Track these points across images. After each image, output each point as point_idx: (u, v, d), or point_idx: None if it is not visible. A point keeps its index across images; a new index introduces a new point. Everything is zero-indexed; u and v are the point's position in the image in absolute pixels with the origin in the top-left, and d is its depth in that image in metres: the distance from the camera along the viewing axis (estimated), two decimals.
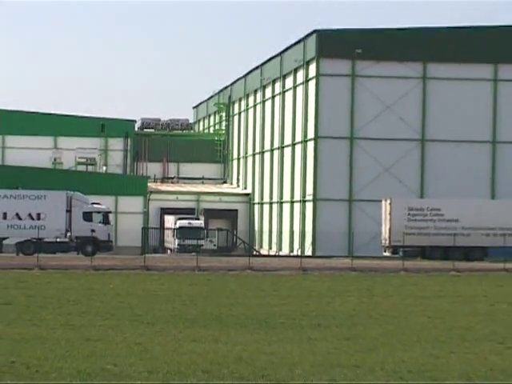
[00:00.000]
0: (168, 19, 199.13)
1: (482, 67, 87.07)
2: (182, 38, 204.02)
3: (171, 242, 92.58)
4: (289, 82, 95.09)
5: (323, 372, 19.44)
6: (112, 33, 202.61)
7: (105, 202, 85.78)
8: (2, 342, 24.15)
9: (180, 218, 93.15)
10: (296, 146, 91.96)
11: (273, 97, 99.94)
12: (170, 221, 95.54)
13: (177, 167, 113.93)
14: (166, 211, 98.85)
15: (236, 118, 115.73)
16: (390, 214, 79.12)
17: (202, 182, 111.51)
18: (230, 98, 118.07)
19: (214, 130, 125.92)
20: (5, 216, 79.01)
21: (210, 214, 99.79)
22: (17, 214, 79.44)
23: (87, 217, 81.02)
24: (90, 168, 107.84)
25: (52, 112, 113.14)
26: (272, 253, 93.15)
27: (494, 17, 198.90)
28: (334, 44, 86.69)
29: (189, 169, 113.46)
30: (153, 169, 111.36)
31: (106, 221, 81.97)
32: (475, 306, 38.90)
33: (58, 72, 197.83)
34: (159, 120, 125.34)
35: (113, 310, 34.73)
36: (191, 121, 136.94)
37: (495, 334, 27.87)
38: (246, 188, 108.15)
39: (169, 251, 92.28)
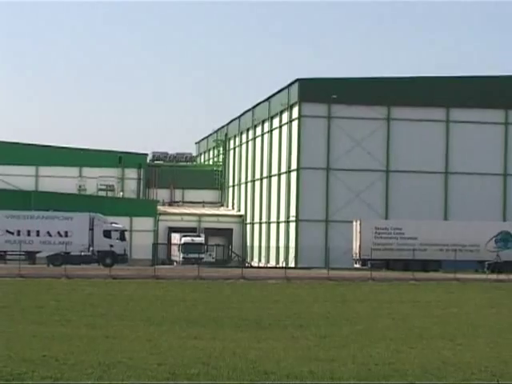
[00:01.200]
0: (175, 71, 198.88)
1: (436, 110, 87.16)
2: (186, 87, 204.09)
3: (177, 255, 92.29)
4: (275, 122, 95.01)
5: (304, 365, 19.43)
6: (127, 80, 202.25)
7: (121, 222, 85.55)
8: (35, 339, 24.15)
9: (184, 236, 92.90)
10: (281, 176, 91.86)
11: (262, 134, 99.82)
12: (175, 238, 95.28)
13: (182, 193, 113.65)
14: (172, 230, 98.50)
15: (231, 152, 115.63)
16: (359, 232, 79.10)
17: (203, 206, 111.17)
18: (226, 135, 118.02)
19: (213, 162, 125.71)
20: (38, 233, 79.07)
21: (209, 232, 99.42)
22: (48, 232, 79.41)
23: (107, 234, 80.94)
24: (109, 193, 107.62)
25: (77, 146, 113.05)
26: (261, 264, 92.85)
27: (447, 67, 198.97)
28: (314, 90, 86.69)
29: (192, 194, 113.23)
30: (161, 194, 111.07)
31: (122, 237, 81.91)
32: (430, 309, 38.86)
33: (83, 112, 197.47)
34: (167, 153, 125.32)
35: (127, 312, 34.68)
36: (194, 154, 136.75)
37: (447, 333, 27.85)
38: (239, 210, 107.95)
39: (175, 263, 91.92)
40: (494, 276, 70.33)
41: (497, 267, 76.89)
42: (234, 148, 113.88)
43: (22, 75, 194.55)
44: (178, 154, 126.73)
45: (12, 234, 79.56)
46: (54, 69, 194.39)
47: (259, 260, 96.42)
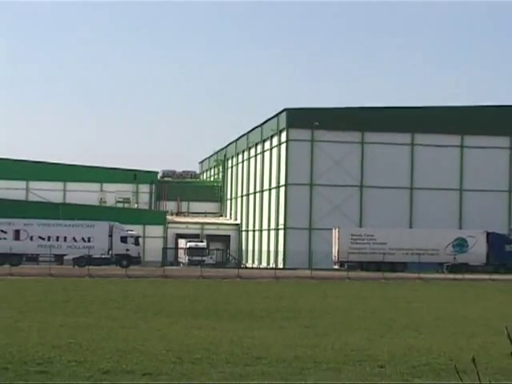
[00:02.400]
0: (182, 102, 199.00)
1: (402, 135, 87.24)
2: (191, 115, 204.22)
3: (183, 257, 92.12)
4: (267, 145, 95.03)
5: (290, 351, 19.41)
6: (142, 111, 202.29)
7: (136, 229, 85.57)
8: (62, 328, 24.11)
9: (189, 241, 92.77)
10: (272, 190, 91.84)
11: (255, 155, 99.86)
12: (182, 243, 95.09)
13: (187, 205, 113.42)
14: (179, 236, 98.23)
15: (229, 170, 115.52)
16: (338, 238, 79.11)
17: (205, 216, 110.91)
18: (225, 156, 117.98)
19: (214, 179, 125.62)
20: (65, 239, 79.08)
21: (210, 238, 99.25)
22: (73, 238, 79.38)
23: (123, 240, 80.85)
24: (126, 205, 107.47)
25: (99, 165, 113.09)
26: (254, 266, 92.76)
27: (415, 98, 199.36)
28: (299, 118, 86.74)
29: (195, 206, 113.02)
30: (170, 206, 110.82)
31: (136, 242, 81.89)
32: (398, 304, 38.87)
33: (103, 136, 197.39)
34: (174, 171, 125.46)
35: (141, 306, 34.62)
36: (197, 172, 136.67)
37: (412, 324, 27.85)
38: (236, 220, 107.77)
39: (181, 264, 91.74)
40: (451, 275, 70.57)
41: (454, 268, 77.15)
42: (232, 167, 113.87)
43: (53, 102, 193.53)
44: (183, 171, 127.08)
45: (43, 239, 79.57)
46: (78, 100, 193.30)
47: (253, 262, 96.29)
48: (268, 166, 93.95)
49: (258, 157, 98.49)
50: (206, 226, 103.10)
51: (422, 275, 67.36)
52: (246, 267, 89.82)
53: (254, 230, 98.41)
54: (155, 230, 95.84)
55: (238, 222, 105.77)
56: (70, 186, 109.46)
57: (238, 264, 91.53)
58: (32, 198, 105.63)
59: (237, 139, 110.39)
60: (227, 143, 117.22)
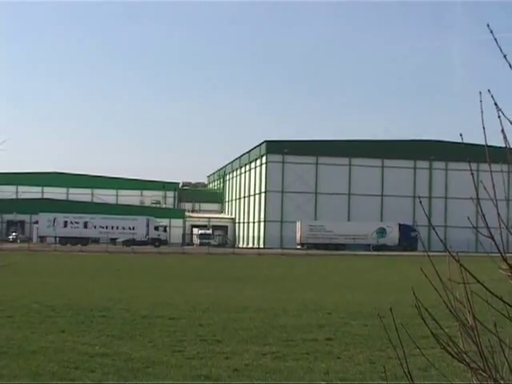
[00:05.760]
0: (194, 133, 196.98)
1: (343, 159, 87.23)
2: (202, 144, 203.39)
3: (196, 240, 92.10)
4: (253, 165, 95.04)
5: (266, 303, 19.33)
6: (170, 136, 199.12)
7: (164, 222, 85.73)
8: (114, 288, 23.92)
9: (200, 229, 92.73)
10: (256, 195, 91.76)
11: (245, 172, 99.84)
12: (195, 230, 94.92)
13: (199, 205, 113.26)
14: (193, 226, 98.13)
15: (227, 182, 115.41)
16: (300, 228, 79.44)
17: (211, 212, 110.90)
18: (224, 172, 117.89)
19: (217, 188, 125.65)
20: (117, 228, 79.32)
21: (214, 227, 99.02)
22: (123, 227, 79.57)
23: (156, 228, 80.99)
24: (158, 205, 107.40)
25: (140, 178, 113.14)
26: (244, 246, 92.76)
27: (353, 132, 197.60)
28: (274, 147, 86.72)
29: (204, 206, 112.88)
30: (187, 206, 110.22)
31: (165, 230, 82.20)
32: (340, 271, 38.90)
33: (141, 156, 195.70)
34: (190, 182, 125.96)
35: (167, 274, 34.59)
36: (206, 183, 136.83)
37: (349, 285, 27.74)
38: (232, 215, 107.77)
39: (194, 245, 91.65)
40: (375, 253, 70.85)
41: (377, 248, 77.50)
42: (229, 179, 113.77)
43: (105, 137, 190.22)
44: (197, 182, 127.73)
45: (103, 228, 79.62)
46: (123, 133, 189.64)
47: (243, 243, 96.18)
48: (253, 179, 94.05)
49: (247, 173, 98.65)
50: (212, 219, 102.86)
51: (356, 252, 67.65)
52: (239, 247, 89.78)
53: (244, 222, 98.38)
54: (177, 222, 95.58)
55: (233, 216, 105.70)
56: (121, 192, 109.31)
57: (233, 245, 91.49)
58: (95, 200, 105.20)
59: (232, 161, 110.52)
60: (226, 163, 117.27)
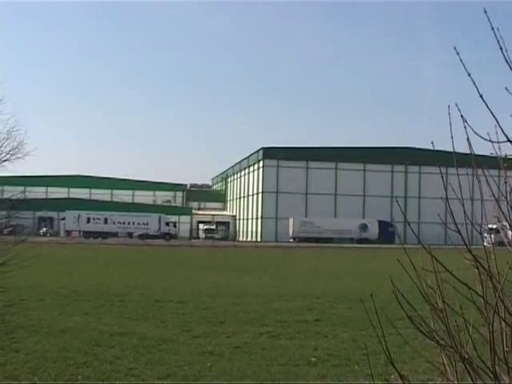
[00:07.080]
0: (201, 142, 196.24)
1: (329, 163, 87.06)
2: (206, 151, 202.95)
3: (201, 234, 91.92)
4: (251, 168, 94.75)
5: (265, 289, 19.34)
6: (178, 146, 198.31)
7: (174, 218, 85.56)
8: (130, 275, 23.81)
9: (205, 225, 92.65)
10: (254, 195, 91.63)
11: (244, 175, 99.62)
12: (201, 226, 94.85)
13: (204, 204, 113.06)
14: (199, 222, 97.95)
15: (229, 183, 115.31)
16: (293, 224, 79.26)
17: (215, 210, 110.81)
18: (226, 175, 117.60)
19: (220, 189, 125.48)
20: (133, 223, 79.16)
21: (218, 223, 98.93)
22: (138, 223, 79.41)
23: (167, 224, 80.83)
24: (168, 204, 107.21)
25: (152, 180, 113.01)
26: (244, 239, 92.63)
27: (339, 139, 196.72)
28: (270, 153, 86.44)
29: (209, 204, 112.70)
30: (194, 205, 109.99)
31: (174, 226, 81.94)
32: (327, 261, 38.86)
33: (153, 161, 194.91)
34: (197, 184, 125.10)
35: (175, 263, 34.53)
36: (210, 184, 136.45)
37: (336, 273, 27.72)
38: (233, 212, 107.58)
39: (200, 238, 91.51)
40: (358, 245, 70.73)
41: (359, 241, 77.39)
42: (231, 181, 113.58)
43: (117, 149, 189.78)
44: (202, 184, 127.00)
45: (121, 223, 79.48)
46: (134, 145, 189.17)
47: (242, 237, 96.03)
48: (252, 181, 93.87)
49: (246, 176, 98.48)
50: (215, 216, 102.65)
51: (341, 245, 67.58)
52: (239, 241, 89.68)
53: (243, 219, 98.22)
54: (185, 219, 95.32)
55: (234, 214, 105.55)
56: (136, 192, 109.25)
57: (234, 238, 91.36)
58: (114, 199, 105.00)
59: (233, 165, 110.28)
60: (228, 167, 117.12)
